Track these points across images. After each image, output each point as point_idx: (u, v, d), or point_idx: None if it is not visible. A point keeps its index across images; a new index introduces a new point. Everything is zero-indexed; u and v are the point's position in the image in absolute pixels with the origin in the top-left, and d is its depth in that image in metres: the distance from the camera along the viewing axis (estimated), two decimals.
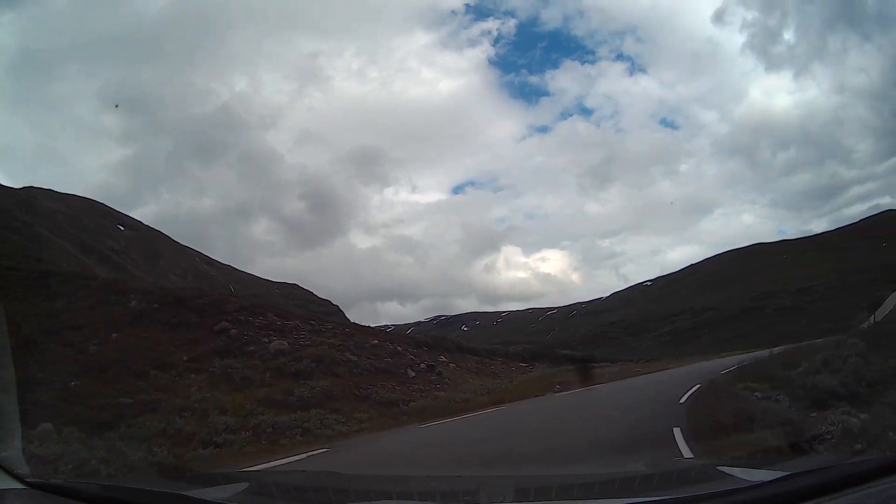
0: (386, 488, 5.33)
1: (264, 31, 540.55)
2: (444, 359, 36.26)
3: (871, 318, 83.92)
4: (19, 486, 3.76)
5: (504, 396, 26.81)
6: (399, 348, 32.64)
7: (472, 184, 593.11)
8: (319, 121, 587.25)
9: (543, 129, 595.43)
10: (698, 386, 21.11)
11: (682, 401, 17.88)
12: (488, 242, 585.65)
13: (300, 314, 38.36)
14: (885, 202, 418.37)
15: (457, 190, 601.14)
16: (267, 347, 25.10)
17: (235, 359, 23.34)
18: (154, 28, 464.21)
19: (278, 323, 29.18)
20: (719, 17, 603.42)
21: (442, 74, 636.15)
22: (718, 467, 4.58)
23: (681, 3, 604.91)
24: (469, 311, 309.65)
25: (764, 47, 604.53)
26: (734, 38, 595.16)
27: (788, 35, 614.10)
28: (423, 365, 30.91)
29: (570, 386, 31.18)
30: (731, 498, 3.13)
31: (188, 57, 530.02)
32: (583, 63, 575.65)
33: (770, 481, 3.43)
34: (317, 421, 18.00)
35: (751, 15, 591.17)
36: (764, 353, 30.07)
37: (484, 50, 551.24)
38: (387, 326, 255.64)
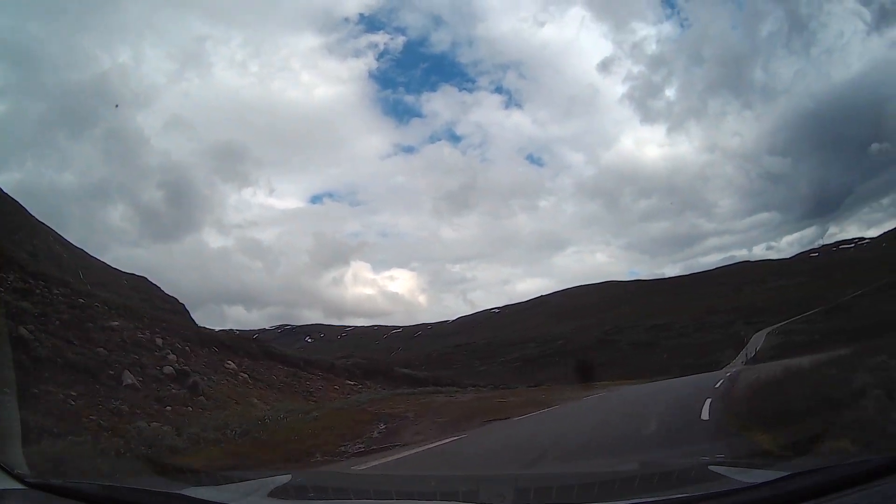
0: (386, 488, 5.41)
1: (160, 2, 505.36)
2: (233, 365, 28.36)
3: (747, 353, 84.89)
4: (19, 486, 3.81)
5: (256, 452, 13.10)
6: (143, 335, 23.54)
7: (330, 195, 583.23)
8: (191, 108, 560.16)
9: (409, 150, 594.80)
10: None
11: None
12: (339, 256, 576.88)
13: None
14: (741, 254, 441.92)
15: (315, 199, 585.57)
16: None
17: None
18: None
19: None
20: (606, 65, 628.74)
21: (321, 80, 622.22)
22: (718, 468, 4.57)
23: (571, 47, 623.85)
24: (314, 322, 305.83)
25: (643, 100, 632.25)
26: (615, 88, 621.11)
27: (670, 92, 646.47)
28: (169, 369, 21.41)
29: (402, 424, 19.05)
30: (731, 498, 3.21)
31: (77, 16, 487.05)
32: (461, 90, 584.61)
33: (770, 481, 3.42)
34: None
35: (637, 69, 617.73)
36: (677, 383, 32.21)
37: (367, 62, 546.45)
38: (231, 331, 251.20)
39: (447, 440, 14.62)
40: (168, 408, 17.85)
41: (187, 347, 26.02)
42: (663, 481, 4.63)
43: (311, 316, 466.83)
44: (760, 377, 19.37)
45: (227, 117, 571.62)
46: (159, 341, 23.75)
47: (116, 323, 22.79)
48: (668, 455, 9.82)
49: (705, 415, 14.89)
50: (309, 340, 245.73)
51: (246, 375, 27.97)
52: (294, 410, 20.92)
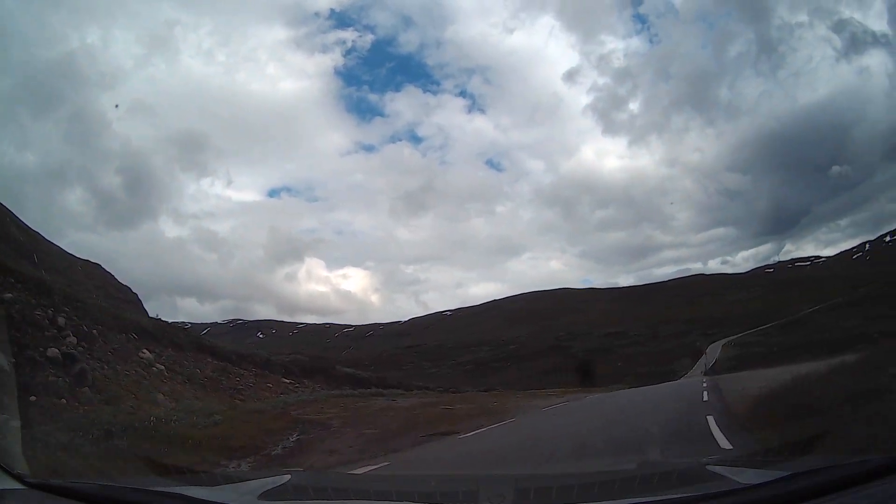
0: (386, 488, 5.47)
1: None
2: (149, 355, 24.76)
3: (706, 364, 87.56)
4: (19, 486, 3.79)
5: None
6: (42, 313, 19.95)
7: (288, 190, 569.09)
8: (156, 94, 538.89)
9: (370, 148, 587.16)
10: None
11: None
12: (293, 252, 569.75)
13: None
14: (696, 267, 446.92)
15: (273, 193, 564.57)
16: None
17: None
18: None
19: None
20: (571, 76, 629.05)
21: (286, 74, 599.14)
22: (718, 468, 4.57)
23: (539, 55, 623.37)
24: (267, 318, 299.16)
25: (607, 112, 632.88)
26: (579, 98, 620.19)
27: (634, 105, 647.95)
28: (54, 352, 17.76)
29: (319, 436, 16.37)
30: (731, 498, 3.21)
31: None
32: (425, 91, 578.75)
33: (770, 482, 3.43)
34: None
35: (602, 81, 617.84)
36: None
37: (334, 59, 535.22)
38: (185, 323, 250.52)
39: (365, 467, 11.10)
40: (32, 398, 14.70)
41: (95, 331, 22.35)
42: (663, 481, 4.61)
43: (263, 311, 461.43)
44: (751, 390, 17.15)
45: (191, 105, 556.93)
46: (62, 321, 20.20)
47: (10, 295, 19.48)
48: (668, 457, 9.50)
49: (724, 441, 10.86)
50: (260, 336, 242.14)
51: (162, 367, 24.66)
52: (200, 411, 17.61)
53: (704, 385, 30.71)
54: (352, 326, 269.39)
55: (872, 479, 2.87)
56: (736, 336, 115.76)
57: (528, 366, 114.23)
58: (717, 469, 4.51)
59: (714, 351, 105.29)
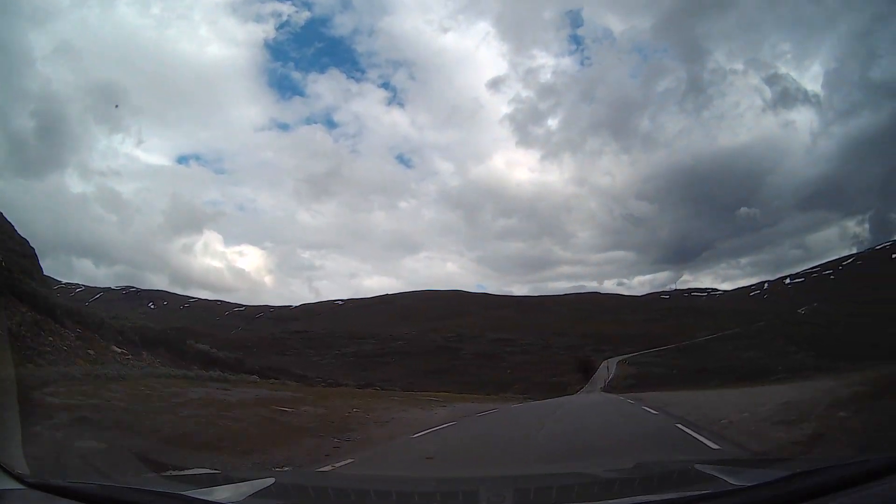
0: (386, 489, 5.35)
1: None
2: None
3: (606, 380, 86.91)
4: (19, 486, 3.83)
5: None
6: None
7: (197, 158, 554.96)
8: (85, 38, 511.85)
9: (284, 127, 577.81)
10: None
11: None
12: (193, 223, 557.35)
13: None
14: (591, 286, 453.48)
15: (182, 160, 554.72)
16: None
17: None
18: None
19: None
20: (496, 84, 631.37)
21: (216, 38, 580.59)
22: (718, 468, 4.57)
23: (467, 59, 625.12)
24: (159, 288, 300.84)
25: (524, 124, 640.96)
26: (500, 107, 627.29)
27: (553, 122, 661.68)
28: None
29: None
30: (731, 499, 3.26)
31: None
32: (349, 77, 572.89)
33: (770, 482, 3.44)
34: None
35: (526, 93, 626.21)
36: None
37: (266, 30, 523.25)
38: (77, 286, 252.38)
39: None
40: None
41: None
42: (663, 482, 4.72)
43: (157, 281, 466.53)
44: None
45: (116, 55, 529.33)
46: None
47: None
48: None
49: None
50: (152, 307, 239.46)
51: None
52: None
53: (645, 408, 21.99)
54: (243, 306, 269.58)
55: (872, 479, 2.91)
56: (630, 355, 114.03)
57: (414, 364, 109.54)
58: (717, 469, 4.48)
59: (608, 367, 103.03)
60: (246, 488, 4.55)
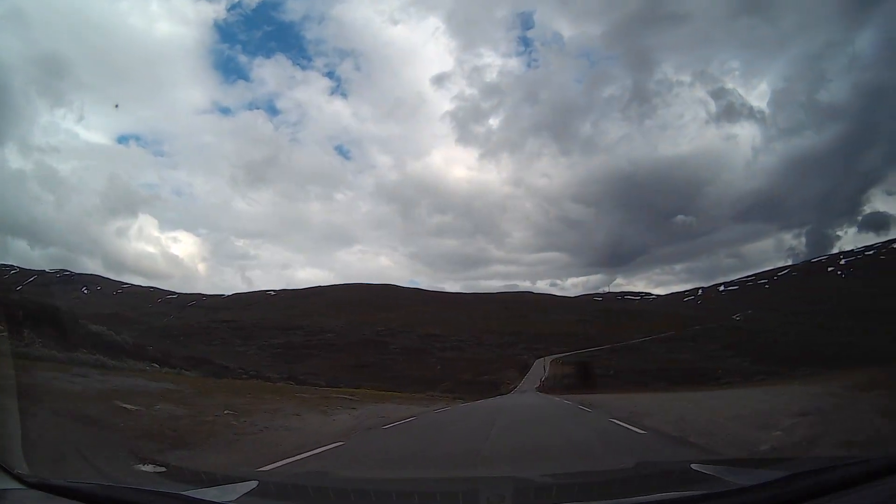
0: (386, 489, 5.27)
1: None
2: None
3: (541, 379, 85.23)
4: (19, 486, 3.84)
5: None
6: None
7: (137, 138, 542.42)
8: (32, 4, 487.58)
9: (226, 111, 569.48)
10: None
11: None
12: (129, 205, 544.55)
13: None
14: (524, 285, 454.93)
15: (122, 139, 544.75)
16: None
17: None
18: None
19: None
20: (440, 80, 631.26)
21: (167, 14, 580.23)
22: (718, 469, 4.51)
23: (414, 53, 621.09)
24: (94, 273, 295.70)
25: (466, 122, 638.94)
26: (442, 104, 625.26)
27: (494, 121, 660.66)
28: None
29: None
30: (731, 499, 3.23)
31: None
32: (294, 64, 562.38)
33: (770, 482, 3.41)
34: None
35: (469, 91, 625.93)
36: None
37: (217, 10, 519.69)
38: (11, 268, 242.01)
39: None
40: None
41: None
42: (663, 482, 4.75)
43: (91, 265, 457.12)
44: None
45: (65, 25, 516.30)
46: None
47: None
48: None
49: None
50: (85, 291, 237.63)
51: None
52: None
53: (630, 427, 14.34)
54: (175, 294, 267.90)
55: (872, 480, 2.92)
56: (564, 354, 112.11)
57: (341, 357, 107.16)
58: (717, 470, 4.43)
59: (541, 366, 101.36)
60: (246, 487, 4.46)
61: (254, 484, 4.77)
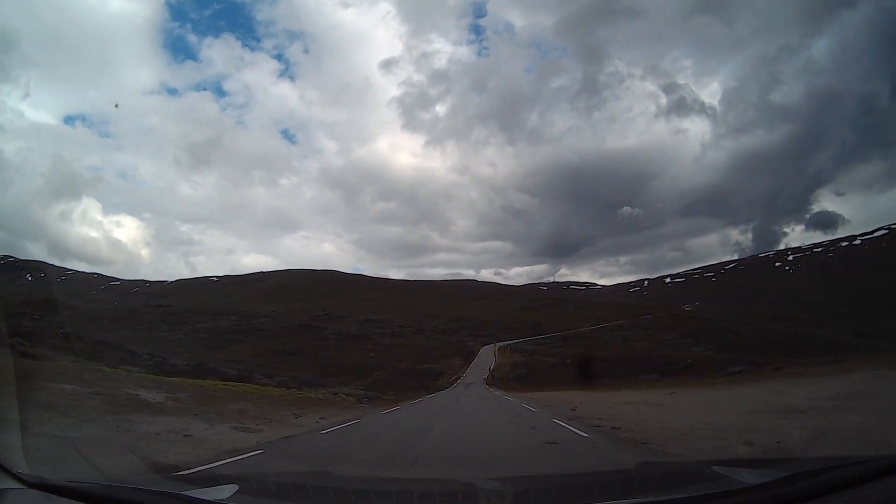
0: (386, 489, 5.37)
1: None
2: None
3: (490, 369, 79.61)
4: (19, 486, 3.83)
5: None
6: None
7: (84, 118, 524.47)
8: None
9: (173, 92, 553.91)
10: None
11: None
12: (73, 188, 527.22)
13: None
14: (468, 274, 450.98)
15: (68, 120, 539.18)
16: None
17: None
18: None
19: None
20: (388, 65, 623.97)
21: None
22: (718, 468, 4.47)
23: (363, 37, 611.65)
24: (38, 259, 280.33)
25: (412, 108, 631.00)
26: (389, 89, 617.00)
27: (441, 108, 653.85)
28: None
29: None
30: (731, 499, 3.25)
31: None
32: (244, 46, 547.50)
33: (770, 482, 3.40)
34: None
35: (417, 77, 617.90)
36: None
37: None
38: None
39: None
40: None
41: None
42: (663, 482, 4.75)
43: (35, 251, 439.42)
44: None
45: None
46: None
47: None
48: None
49: None
50: (29, 278, 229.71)
51: None
52: None
53: None
54: (119, 280, 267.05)
55: (873, 480, 2.93)
56: (512, 341, 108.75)
57: (269, 343, 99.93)
58: (717, 469, 4.41)
59: (488, 354, 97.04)
60: (231, 489, 4.41)
61: (254, 483, 4.97)
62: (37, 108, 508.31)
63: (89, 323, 69.13)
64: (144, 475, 7.89)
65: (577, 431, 14.94)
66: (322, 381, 58.71)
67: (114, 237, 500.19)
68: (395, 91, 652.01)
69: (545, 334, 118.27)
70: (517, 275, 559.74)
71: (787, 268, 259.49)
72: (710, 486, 3.84)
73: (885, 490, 2.81)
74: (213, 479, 5.64)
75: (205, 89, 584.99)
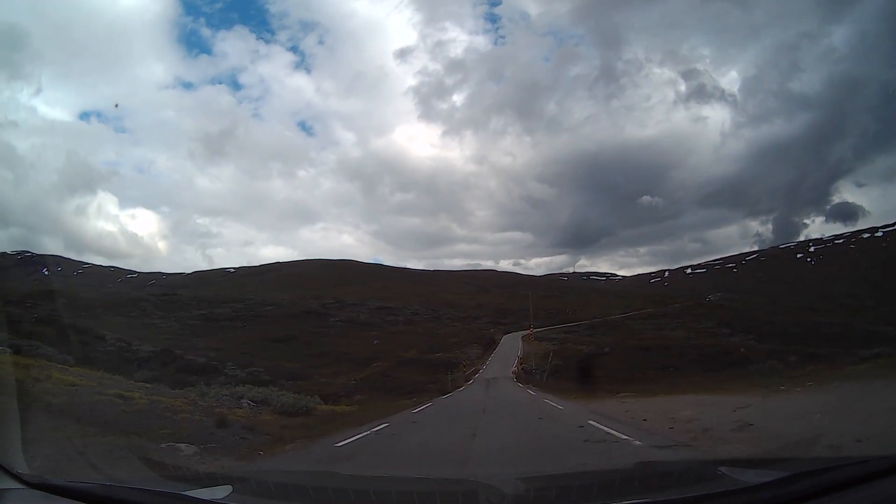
0: (386, 489, 5.35)
1: None
2: None
3: (519, 360, 70.93)
4: (19, 486, 3.86)
5: None
6: None
7: (99, 114, 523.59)
8: None
9: (188, 86, 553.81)
10: None
11: None
12: (88, 182, 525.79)
13: None
14: (488, 265, 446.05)
15: (84, 116, 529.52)
16: None
17: None
18: None
19: None
20: (403, 54, 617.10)
21: None
22: (718, 468, 4.41)
23: (378, 25, 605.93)
24: (55, 253, 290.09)
25: (428, 98, 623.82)
26: (405, 79, 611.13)
27: (458, 98, 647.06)
28: None
29: None
30: (731, 499, 3.27)
31: None
32: (258, 38, 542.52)
33: (770, 482, 3.38)
34: None
35: (433, 66, 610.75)
36: None
37: None
38: None
39: None
40: None
41: None
42: (663, 482, 4.66)
43: (51, 245, 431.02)
44: None
45: None
46: None
47: None
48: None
49: None
50: (46, 273, 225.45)
51: None
52: None
53: None
54: (136, 273, 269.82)
55: (873, 480, 2.97)
56: (538, 329, 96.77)
57: (267, 330, 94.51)
58: (718, 469, 4.32)
59: (512, 343, 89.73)
60: (230, 489, 4.41)
61: (253, 483, 5.00)
62: (52, 105, 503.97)
63: (81, 310, 66.78)
64: (144, 475, 7.52)
65: None
66: (307, 372, 56.01)
67: (130, 231, 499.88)
68: (411, 81, 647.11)
69: (569, 322, 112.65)
70: (536, 265, 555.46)
71: (809, 259, 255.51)
72: (710, 486, 3.80)
73: (885, 490, 2.83)
74: (212, 479, 5.46)
75: (220, 83, 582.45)
